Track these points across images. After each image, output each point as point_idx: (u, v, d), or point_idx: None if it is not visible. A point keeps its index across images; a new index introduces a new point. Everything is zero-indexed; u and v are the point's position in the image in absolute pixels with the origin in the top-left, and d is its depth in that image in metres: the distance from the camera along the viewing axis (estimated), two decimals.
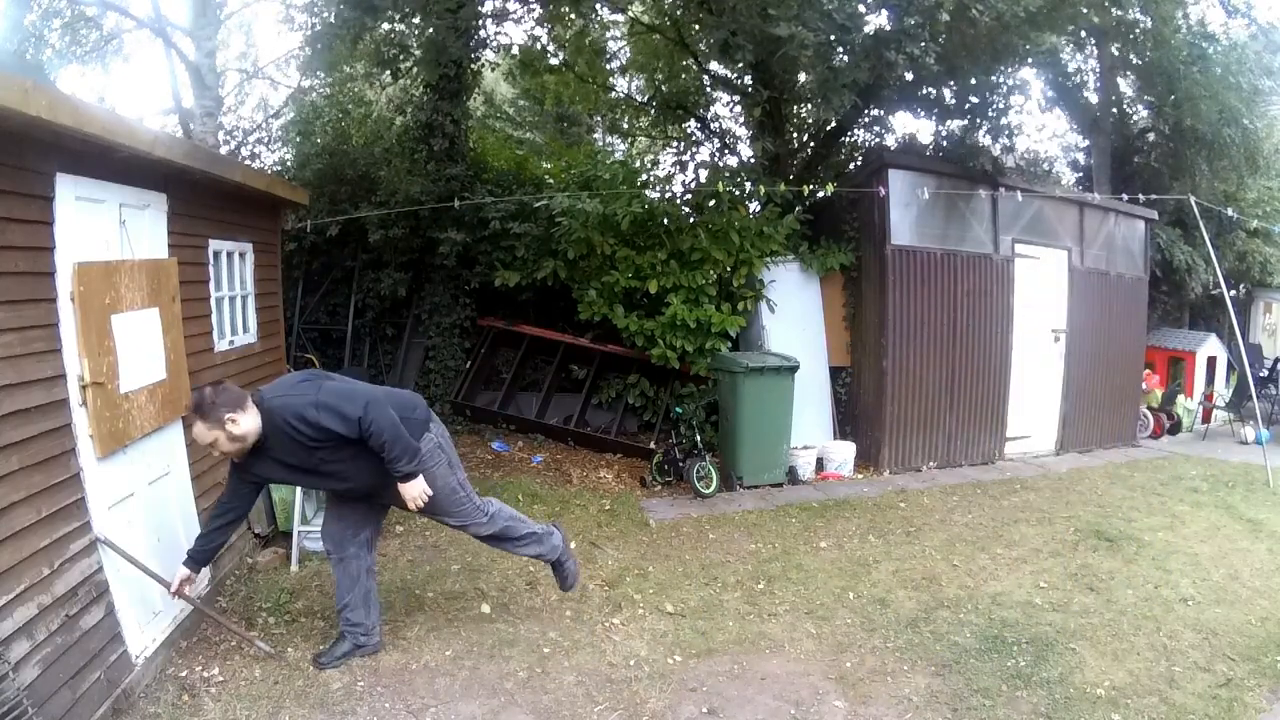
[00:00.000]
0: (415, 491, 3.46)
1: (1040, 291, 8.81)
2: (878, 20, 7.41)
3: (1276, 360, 11.92)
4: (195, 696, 3.47)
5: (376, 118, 10.77)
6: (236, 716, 3.34)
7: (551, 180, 9.63)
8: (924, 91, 8.78)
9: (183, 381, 4.26)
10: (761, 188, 7.46)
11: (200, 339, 4.68)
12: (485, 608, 4.50)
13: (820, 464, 7.74)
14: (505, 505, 4.07)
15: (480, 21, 8.79)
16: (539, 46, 10.19)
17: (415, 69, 8.89)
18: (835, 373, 8.46)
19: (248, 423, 3.29)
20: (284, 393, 3.41)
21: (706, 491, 6.85)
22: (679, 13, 9.35)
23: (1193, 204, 8.43)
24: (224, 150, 9.79)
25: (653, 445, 8.19)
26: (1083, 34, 9.95)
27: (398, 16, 8.14)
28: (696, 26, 9.14)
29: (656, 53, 10.85)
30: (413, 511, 3.60)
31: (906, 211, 7.98)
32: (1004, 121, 8.55)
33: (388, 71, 8.94)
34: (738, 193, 8.31)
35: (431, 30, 7.80)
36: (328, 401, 3.31)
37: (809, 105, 10.10)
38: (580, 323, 8.47)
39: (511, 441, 8.48)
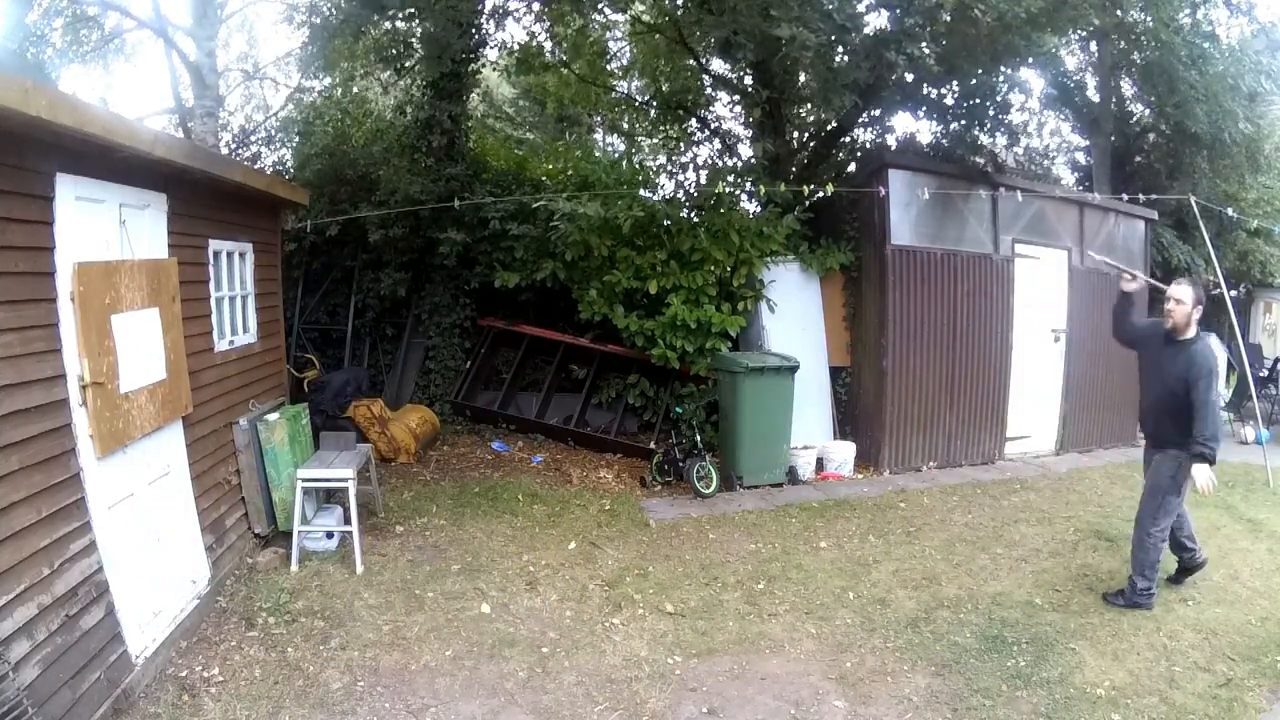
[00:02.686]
0: (1205, 477, 4.23)
1: (1040, 291, 8.80)
2: (878, 21, 7.41)
3: (1276, 360, 11.91)
4: (195, 696, 3.47)
5: (376, 117, 10.77)
6: (236, 716, 3.34)
7: (549, 180, 9.62)
8: (924, 92, 8.77)
9: (183, 382, 4.26)
10: (762, 188, 7.45)
11: (200, 339, 4.68)
12: (485, 608, 4.50)
13: (820, 464, 7.74)
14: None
15: (481, 20, 8.80)
16: (537, 44, 10.19)
17: (417, 66, 8.89)
18: (835, 373, 8.45)
19: (1196, 316, 4.45)
20: (1213, 349, 4.55)
21: (706, 491, 6.85)
22: (680, 12, 9.34)
23: (1193, 204, 8.43)
24: (224, 150, 9.79)
25: (653, 445, 8.18)
26: (1083, 34, 9.95)
27: (400, 15, 8.15)
28: (697, 27, 9.13)
29: (657, 52, 10.85)
30: (1198, 490, 4.33)
31: (906, 211, 7.97)
32: (1004, 121, 8.53)
33: (390, 69, 8.94)
34: (736, 193, 8.29)
35: (432, 27, 7.80)
36: (1213, 394, 4.30)
37: (809, 105, 10.09)
38: (580, 323, 8.46)
39: (511, 441, 8.49)
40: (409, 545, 5.42)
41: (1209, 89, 9.56)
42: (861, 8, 7.23)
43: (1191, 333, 4.48)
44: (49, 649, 2.92)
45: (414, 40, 8.71)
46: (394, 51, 8.56)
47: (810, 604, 4.67)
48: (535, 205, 8.04)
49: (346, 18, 7.95)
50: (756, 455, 7.14)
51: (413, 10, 7.82)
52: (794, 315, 8.14)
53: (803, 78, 8.51)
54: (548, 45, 10.50)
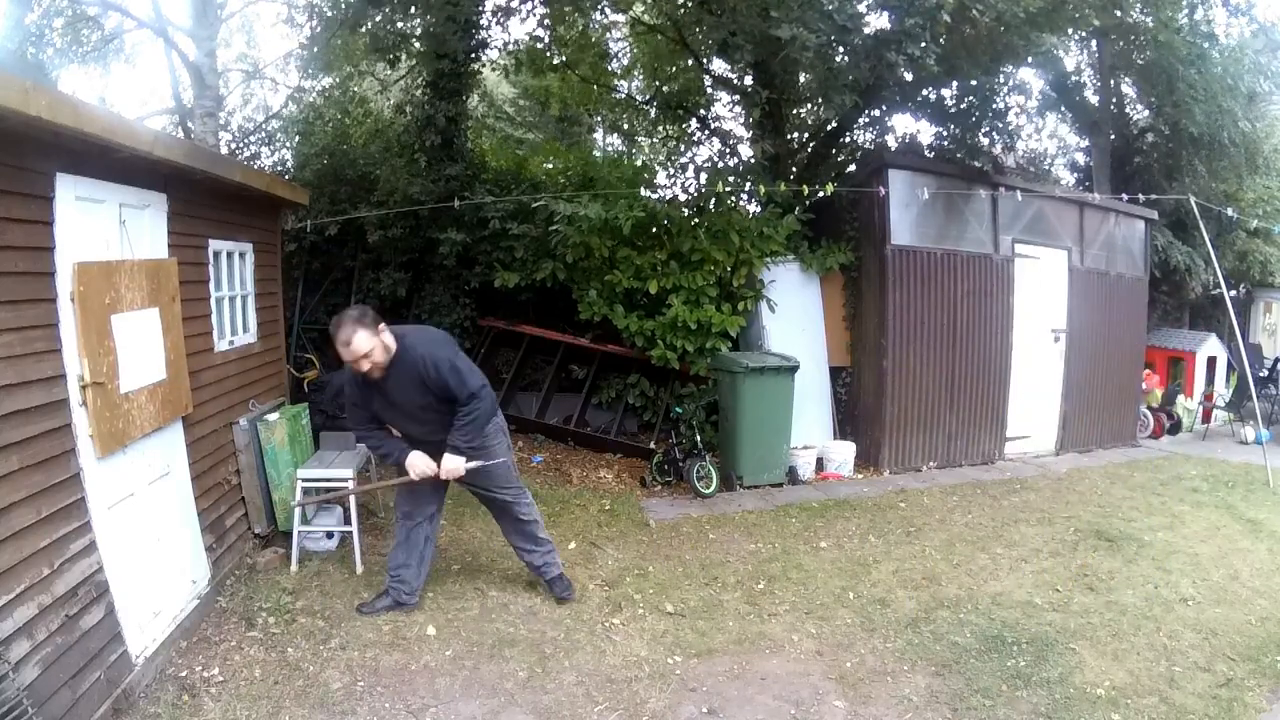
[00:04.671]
0: (453, 464, 3.99)
1: (1040, 291, 8.81)
2: (878, 21, 7.42)
3: (1276, 360, 11.91)
4: (195, 696, 3.47)
5: (376, 117, 10.77)
6: (236, 716, 3.34)
7: (549, 180, 9.62)
8: (924, 92, 8.78)
9: (183, 382, 4.26)
10: (762, 188, 7.45)
11: (200, 339, 4.68)
12: (485, 608, 4.50)
13: (820, 464, 7.74)
14: None
15: (481, 20, 8.80)
16: (540, 47, 10.20)
17: (415, 63, 8.87)
18: (835, 373, 8.46)
19: (390, 341, 3.75)
20: (427, 340, 3.90)
21: (706, 491, 6.85)
22: (680, 13, 9.34)
23: (1192, 204, 8.43)
24: (224, 150, 9.78)
25: (653, 445, 8.18)
26: (1083, 34, 9.96)
27: (399, 14, 8.15)
28: (698, 27, 9.14)
29: (657, 53, 10.86)
30: (457, 481, 4.14)
31: (906, 211, 7.98)
32: (1004, 121, 8.54)
33: (387, 64, 8.93)
34: (733, 199, 8.29)
35: (432, 26, 7.81)
36: (460, 366, 3.85)
37: (809, 105, 10.10)
38: (580, 323, 8.46)
39: (511, 441, 8.46)
40: None
41: (1209, 88, 9.58)
42: (862, 8, 7.25)
43: (393, 351, 3.76)
44: (49, 649, 2.92)
45: (414, 38, 8.71)
46: (389, 43, 8.54)
47: (810, 604, 4.67)
48: (535, 205, 8.04)
49: (344, 10, 7.96)
50: (756, 455, 7.14)
51: (412, 7, 7.83)
52: (794, 315, 8.14)
53: (803, 78, 8.52)
54: (551, 48, 10.51)
